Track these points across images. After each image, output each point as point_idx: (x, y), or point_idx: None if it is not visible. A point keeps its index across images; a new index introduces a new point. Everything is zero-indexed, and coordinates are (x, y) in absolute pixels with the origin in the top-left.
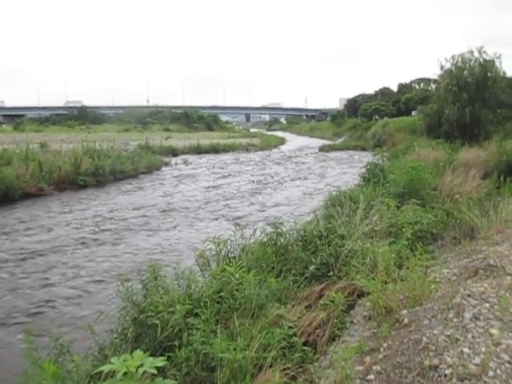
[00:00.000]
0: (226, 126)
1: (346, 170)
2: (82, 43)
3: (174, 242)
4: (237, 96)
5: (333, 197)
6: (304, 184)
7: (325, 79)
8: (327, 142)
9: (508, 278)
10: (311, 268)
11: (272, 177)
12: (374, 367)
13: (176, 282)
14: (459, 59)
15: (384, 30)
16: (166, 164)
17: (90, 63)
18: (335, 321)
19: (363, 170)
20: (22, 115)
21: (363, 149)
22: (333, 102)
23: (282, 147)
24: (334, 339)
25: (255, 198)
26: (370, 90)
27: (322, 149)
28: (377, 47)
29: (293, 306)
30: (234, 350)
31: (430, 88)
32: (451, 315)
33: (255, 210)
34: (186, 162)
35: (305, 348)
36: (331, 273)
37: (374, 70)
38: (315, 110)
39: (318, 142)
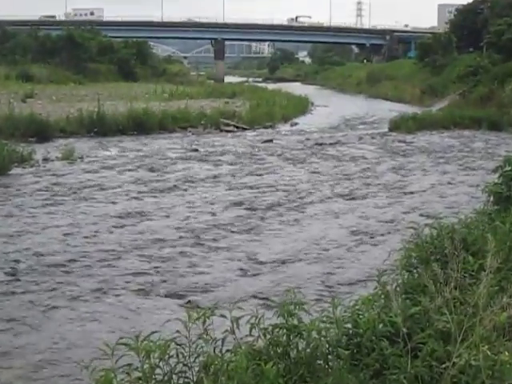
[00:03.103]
0: (167, 67)
1: (452, 176)
2: None
3: (43, 342)
4: (196, 4)
5: (423, 241)
6: (355, 208)
7: None
8: (409, 110)
9: None
10: None
11: (278, 191)
12: None
13: None
14: None
15: None
16: (24, 161)
17: None
18: None
19: (494, 176)
20: None
21: (494, 126)
22: (422, 15)
23: (302, 120)
24: None
25: (237, 243)
26: None
27: (396, 125)
28: None
29: None
30: None
31: None
32: None
33: (237, 272)
34: (70, 157)
35: None
36: None
37: None
38: (380, 34)
39: (386, 109)
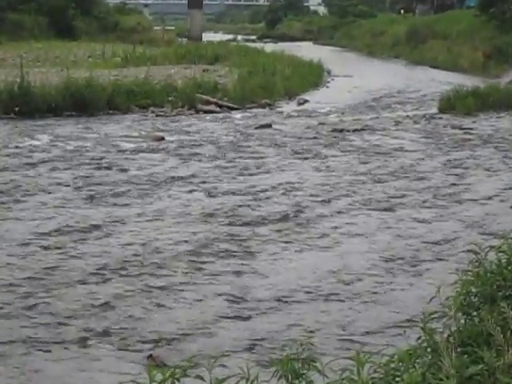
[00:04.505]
0: (121, 20)
1: None
2: None
3: None
4: None
5: (487, 271)
6: (389, 223)
7: None
8: (468, 82)
9: None
10: None
11: (278, 198)
12: None
13: None
14: None
15: None
16: None
17: None
18: None
19: None
20: None
21: None
22: None
23: (314, 97)
24: None
25: (222, 272)
26: None
27: (449, 104)
28: None
29: None
30: None
31: None
32: None
33: (221, 313)
34: None
35: None
36: None
37: None
38: None
39: (435, 81)
